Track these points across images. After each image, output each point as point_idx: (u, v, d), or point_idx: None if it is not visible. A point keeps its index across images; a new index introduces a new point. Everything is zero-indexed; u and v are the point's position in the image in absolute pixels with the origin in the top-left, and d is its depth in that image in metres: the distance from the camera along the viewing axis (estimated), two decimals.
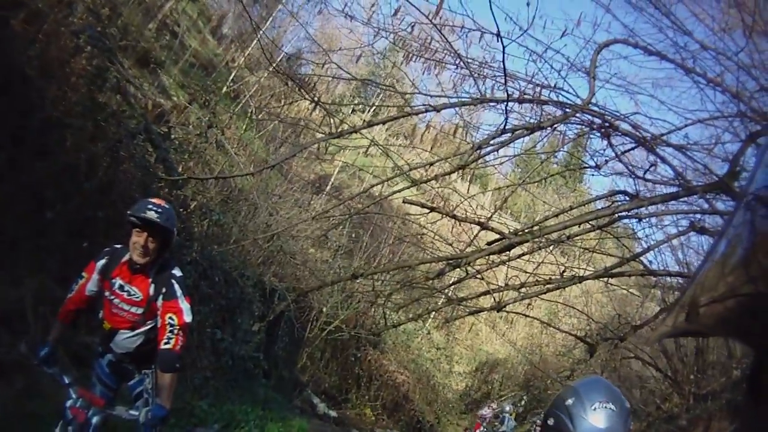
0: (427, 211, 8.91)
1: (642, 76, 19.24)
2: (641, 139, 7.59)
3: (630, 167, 8.20)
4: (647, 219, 9.07)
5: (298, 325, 14.05)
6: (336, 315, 15.18)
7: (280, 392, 12.91)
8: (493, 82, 7.97)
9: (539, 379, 23.61)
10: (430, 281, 10.02)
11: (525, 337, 28.31)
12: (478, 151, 7.82)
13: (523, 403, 23.63)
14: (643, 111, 9.67)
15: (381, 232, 21.81)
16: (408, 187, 10.05)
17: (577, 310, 17.87)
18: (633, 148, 8.07)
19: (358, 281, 11.82)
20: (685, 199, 8.01)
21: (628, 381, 20.83)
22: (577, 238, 9.42)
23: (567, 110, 7.63)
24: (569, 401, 2.15)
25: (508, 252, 8.64)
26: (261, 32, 14.13)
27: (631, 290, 15.58)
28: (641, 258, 9.24)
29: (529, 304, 18.18)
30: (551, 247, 9.62)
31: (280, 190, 16.26)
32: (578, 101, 7.60)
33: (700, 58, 7.68)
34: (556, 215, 9.38)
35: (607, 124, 7.59)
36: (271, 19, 22.73)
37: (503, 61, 6.54)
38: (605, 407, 2.09)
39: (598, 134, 7.94)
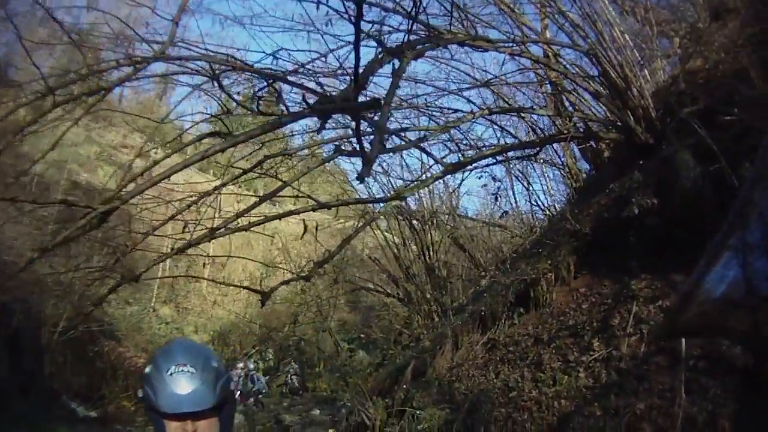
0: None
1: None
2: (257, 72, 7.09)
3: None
4: (296, 154, 9.45)
5: (30, 335, 13.13)
6: (60, 315, 13.57)
7: (39, 406, 12.07)
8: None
9: (275, 329, 23.16)
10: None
11: (247, 293, 27.28)
12: None
13: (271, 356, 23.06)
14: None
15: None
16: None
17: (253, 260, 17.62)
18: (267, 86, 7.35)
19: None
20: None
21: (368, 313, 21.22)
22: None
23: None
24: (148, 370, 1.90)
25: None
26: None
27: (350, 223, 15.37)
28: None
29: (205, 264, 17.65)
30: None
31: None
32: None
33: None
34: (141, 174, 8.52)
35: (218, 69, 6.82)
36: None
37: None
38: (182, 370, 1.85)
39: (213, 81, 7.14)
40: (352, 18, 4.01)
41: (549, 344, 7.22)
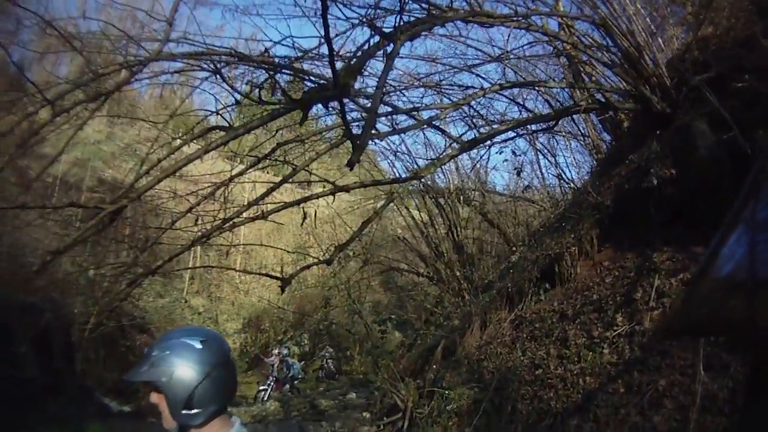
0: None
1: None
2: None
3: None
4: (308, 140, 9.38)
5: (60, 333, 12.79)
6: (89, 312, 13.60)
7: (71, 404, 11.87)
8: None
9: (308, 314, 23.22)
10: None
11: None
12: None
13: (306, 341, 23.18)
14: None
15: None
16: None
17: (275, 247, 17.56)
18: (269, 78, 7.18)
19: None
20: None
21: (401, 293, 21.16)
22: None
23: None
24: None
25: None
26: None
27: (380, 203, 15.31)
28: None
29: (228, 253, 17.60)
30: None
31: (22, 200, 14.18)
32: None
33: None
34: (148, 171, 8.45)
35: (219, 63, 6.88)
36: None
37: None
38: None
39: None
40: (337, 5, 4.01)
41: (574, 320, 7.15)
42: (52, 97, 6.42)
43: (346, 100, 6.24)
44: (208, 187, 8.83)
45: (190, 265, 21.80)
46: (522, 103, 10.07)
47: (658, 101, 6.77)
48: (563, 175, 13.27)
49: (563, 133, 12.10)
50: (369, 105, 6.80)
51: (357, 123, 8.18)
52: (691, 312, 1.70)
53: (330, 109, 7.56)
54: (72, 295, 13.59)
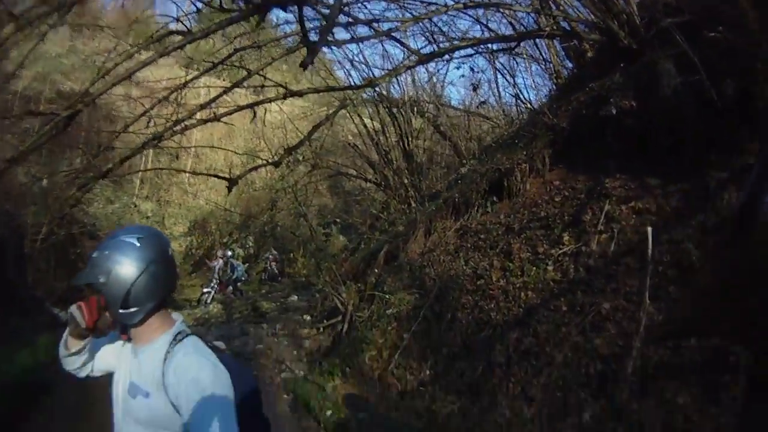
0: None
1: None
2: None
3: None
4: (265, 47, 9.32)
5: (13, 245, 12.58)
6: (41, 223, 13.29)
7: (22, 316, 11.73)
8: None
9: (254, 216, 23.08)
10: None
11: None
12: None
13: (251, 243, 23.12)
14: None
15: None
16: None
17: (224, 149, 17.36)
18: None
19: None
20: None
21: (347, 198, 21.15)
22: None
23: None
24: None
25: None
26: None
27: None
28: None
29: (178, 156, 17.21)
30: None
31: None
32: None
33: None
34: (104, 76, 8.36)
35: None
36: None
37: None
38: None
39: None
40: None
41: (519, 234, 7.26)
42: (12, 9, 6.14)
43: (305, 7, 6.04)
44: (163, 91, 8.58)
45: (140, 169, 21.39)
46: (485, 23, 9.85)
47: (625, 36, 6.73)
48: (521, 96, 13.23)
49: (524, 56, 12.00)
50: (329, 13, 6.58)
51: (315, 30, 7.99)
52: (747, 254, 1.65)
53: (289, 12, 7.30)
54: (25, 206, 13.26)
